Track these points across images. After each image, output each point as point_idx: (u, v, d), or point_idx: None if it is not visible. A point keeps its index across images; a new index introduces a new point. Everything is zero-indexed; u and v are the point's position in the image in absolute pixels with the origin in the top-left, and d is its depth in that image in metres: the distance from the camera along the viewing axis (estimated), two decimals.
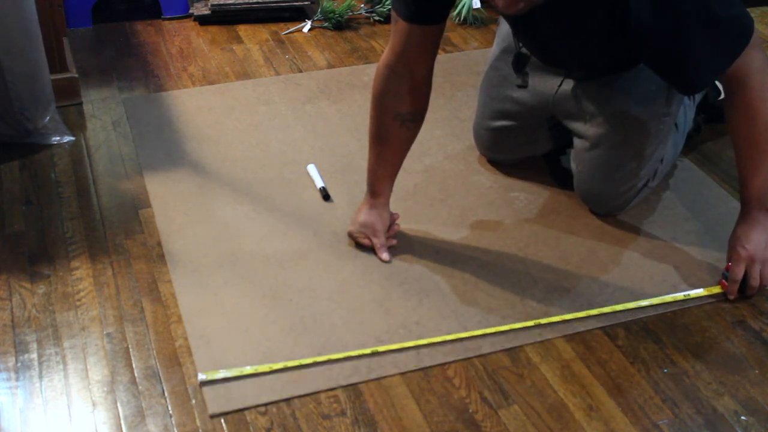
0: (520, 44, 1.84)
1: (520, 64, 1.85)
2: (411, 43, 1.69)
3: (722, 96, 2.26)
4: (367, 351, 1.58)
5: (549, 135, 2.04)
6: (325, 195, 1.99)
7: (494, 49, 2.03)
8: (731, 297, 1.73)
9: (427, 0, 1.65)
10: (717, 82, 2.14)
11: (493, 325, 1.66)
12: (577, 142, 1.93)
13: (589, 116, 1.88)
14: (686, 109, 1.99)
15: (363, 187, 1.86)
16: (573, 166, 1.96)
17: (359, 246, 1.85)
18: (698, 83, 1.69)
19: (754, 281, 1.71)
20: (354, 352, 1.58)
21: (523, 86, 1.87)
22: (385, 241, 1.83)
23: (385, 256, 1.81)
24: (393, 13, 1.69)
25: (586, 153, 1.91)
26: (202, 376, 1.53)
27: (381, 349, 1.59)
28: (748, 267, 1.71)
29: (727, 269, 1.73)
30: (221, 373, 1.53)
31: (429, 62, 1.75)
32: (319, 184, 2.02)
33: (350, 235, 1.86)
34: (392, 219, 1.87)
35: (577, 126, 1.91)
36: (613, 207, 1.94)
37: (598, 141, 1.87)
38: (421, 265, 1.81)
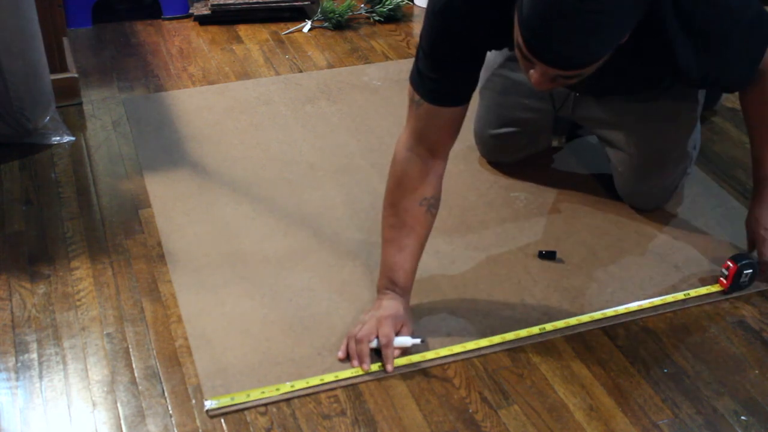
0: (557, 106, 1.82)
1: (559, 128, 1.84)
2: (435, 126, 1.59)
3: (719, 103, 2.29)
4: (375, 368, 1.55)
5: (550, 132, 2.03)
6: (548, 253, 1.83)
7: (496, 58, 1.98)
8: None
9: (453, 81, 1.57)
10: None
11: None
12: (615, 143, 1.92)
13: (622, 120, 1.87)
14: None
15: (363, 186, 1.85)
16: (614, 169, 1.95)
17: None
18: (732, 91, 1.92)
19: None
20: (361, 370, 1.55)
21: (560, 147, 1.87)
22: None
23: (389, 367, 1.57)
24: (414, 96, 1.59)
25: (625, 155, 1.90)
26: (210, 404, 1.49)
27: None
28: None
29: (726, 267, 1.73)
30: (229, 399, 1.49)
31: (451, 144, 1.63)
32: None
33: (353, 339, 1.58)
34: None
35: (609, 133, 1.90)
36: (659, 201, 1.96)
37: (637, 142, 1.87)
38: (421, 265, 1.81)
